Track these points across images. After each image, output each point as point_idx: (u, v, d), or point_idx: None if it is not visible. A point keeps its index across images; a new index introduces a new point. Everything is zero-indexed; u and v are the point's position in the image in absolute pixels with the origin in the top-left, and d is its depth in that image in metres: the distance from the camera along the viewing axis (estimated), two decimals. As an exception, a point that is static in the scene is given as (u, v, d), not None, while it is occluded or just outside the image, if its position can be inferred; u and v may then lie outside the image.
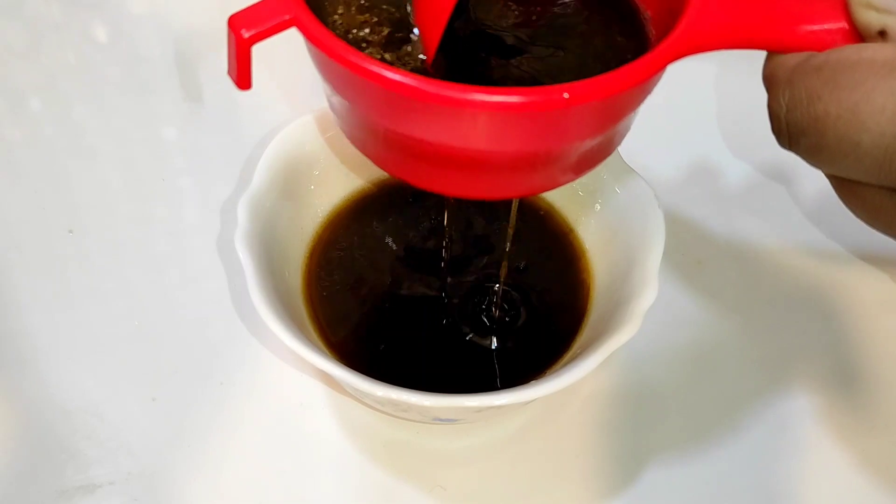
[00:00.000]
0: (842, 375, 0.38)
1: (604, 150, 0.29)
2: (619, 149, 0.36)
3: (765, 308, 0.40)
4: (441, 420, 0.35)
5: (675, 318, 0.39)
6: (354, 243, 0.38)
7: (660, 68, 0.25)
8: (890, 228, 0.27)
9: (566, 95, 0.24)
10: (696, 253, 0.42)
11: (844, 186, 0.27)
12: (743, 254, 0.42)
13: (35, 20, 0.49)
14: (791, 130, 0.26)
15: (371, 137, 0.28)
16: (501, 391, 0.30)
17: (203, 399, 0.36)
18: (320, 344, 0.35)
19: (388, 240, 0.39)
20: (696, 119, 0.47)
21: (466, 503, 0.35)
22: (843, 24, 0.26)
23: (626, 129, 0.29)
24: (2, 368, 0.37)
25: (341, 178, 0.39)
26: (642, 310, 0.32)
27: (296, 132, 0.37)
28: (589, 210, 0.38)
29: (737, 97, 0.47)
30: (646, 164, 0.36)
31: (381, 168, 0.29)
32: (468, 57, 0.29)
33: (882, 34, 0.25)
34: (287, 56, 0.46)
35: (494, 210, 0.40)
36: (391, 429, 0.36)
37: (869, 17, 0.25)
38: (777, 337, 0.39)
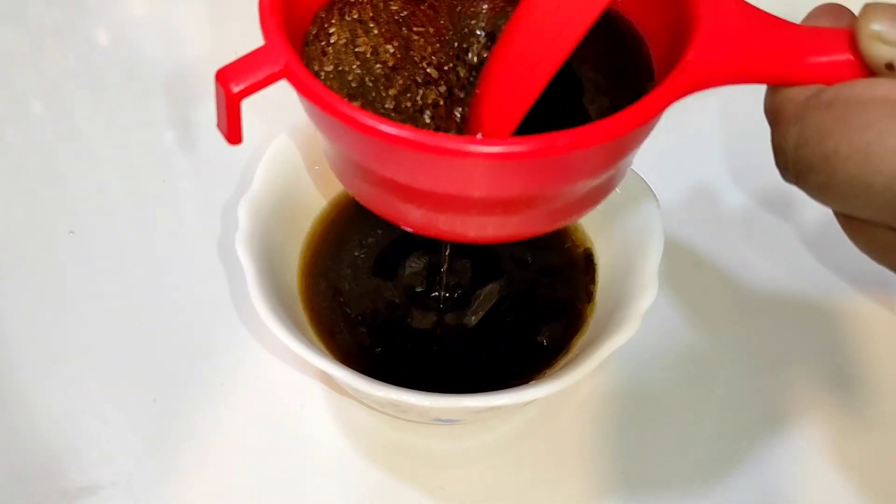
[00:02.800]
0: (839, 378, 0.38)
1: (608, 186, 0.29)
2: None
3: (763, 310, 0.40)
4: (441, 420, 0.35)
5: (673, 319, 0.40)
6: (354, 244, 0.38)
7: (659, 111, 0.25)
8: None
9: (560, 144, 0.23)
10: (694, 254, 0.42)
11: (853, 224, 0.27)
12: (742, 255, 0.42)
13: (36, 24, 0.50)
14: (799, 167, 0.25)
15: (366, 186, 0.28)
16: (501, 391, 0.30)
17: (204, 400, 0.36)
18: (320, 345, 0.35)
19: (389, 240, 0.39)
20: (697, 123, 0.47)
21: (466, 503, 0.35)
22: (850, 56, 0.25)
23: (627, 166, 0.29)
24: (2, 369, 0.37)
25: (341, 179, 0.39)
26: (641, 311, 0.32)
27: (295, 134, 0.37)
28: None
29: (737, 110, 0.47)
30: (645, 165, 0.37)
31: (379, 215, 0.29)
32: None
33: (890, 67, 0.24)
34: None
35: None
36: (391, 429, 0.36)
37: (878, 50, 0.24)
38: (774, 339, 0.39)
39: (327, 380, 0.37)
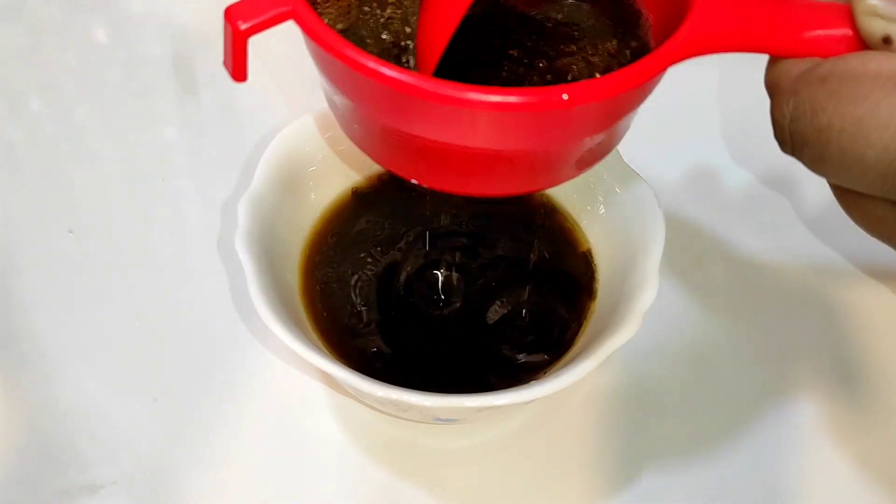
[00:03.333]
0: (841, 374, 0.38)
1: (604, 149, 0.29)
2: (620, 149, 0.36)
3: (765, 308, 0.40)
4: (441, 420, 0.35)
5: (675, 317, 0.39)
6: (354, 243, 0.38)
7: (660, 70, 0.25)
8: (891, 240, 0.27)
9: (565, 97, 0.24)
10: (696, 252, 0.42)
11: (847, 196, 0.27)
12: (743, 253, 0.42)
13: (35, 21, 0.49)
14: (794, 140, 0.26)
15: (370, 135, 0.28)
16: (501, 391, 0.30)
17: (204, 399, 0.36)
18: (320, 344, 0.35)
19: (389, 240, 0.39)
20: (698, 120, 0.47)
21: (466, 503, 0.35)
22: (848, 31, 0.25)
23: (627, 128, 0.29)
24: (3, 369, 0.37)
25: (341, 177, 0.39)
26: (642, 309, 0.32)
27: (295, 132, 0.37)
28: (589, 210, 0.38)
29: (738, 101, 0.47)
30: (646, 164, 0.37)
31: (380, 164, 0.29)
32: (466, 55, 0.29)
33: (886, 41, 0.25)
34: (287, 56, 0.46)
35: (492, 211, 0.40)
36: (391, 429, 0.36)
37: (873, 25, 0.25)
38: (777, 337, 0.39)
39: (327, 379, 0.37)
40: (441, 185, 0.28)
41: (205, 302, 0.39)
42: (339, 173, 0.39)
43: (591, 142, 0.28)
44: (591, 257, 0.38)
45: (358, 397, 0.36)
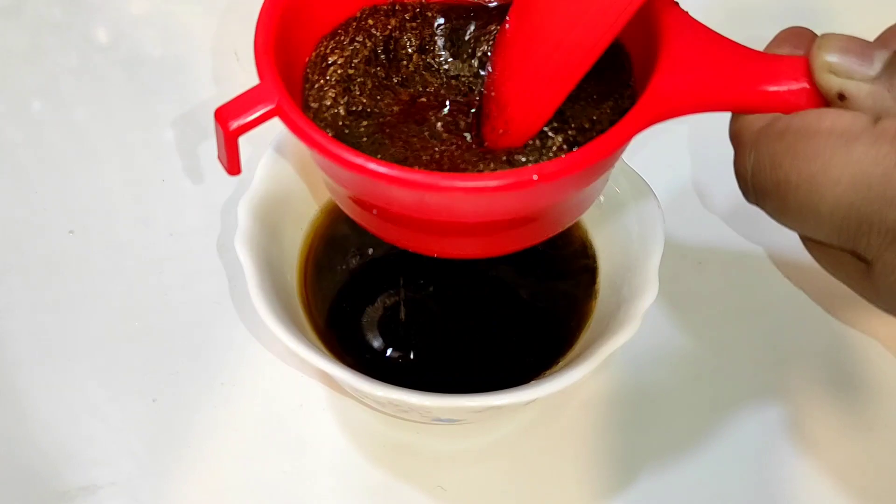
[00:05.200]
0: (839, 377, 0.38)
1: (583, 204, 0.31)
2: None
3: (764, 310, 0.40)
4: (441, 420, 0.35)
5: (674, 318, 0.39)
6: (354, 244, 0.38)
7: (627, 140, 0.27)
8: (850, 284, 0.28)
9: (535, 177, 0.25)
10: (695, 254, 0.42)
11: (811, 242, 0.28)
12: (743, 255, 0.42)
13: (36, 22, 0.49)
14: (756, 191, 0.27)
15: (359, 213, 0.30)
16: (501, 391, 0.30)
17: (204, 400, 0.36)
18: (320, 344, 0.35)
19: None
20: (697, 120, 0.47)
21: (466, 503, 0.35)
22: (806, 85, 0.26)
23: (603, 184, 0.31)
24: (2, 369, 0.37)
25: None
26: (642, 310, 0.32)
27: (296, 133, 0.37)
28: (589, 210, 0.38)
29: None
30: (646, 164, 0.37)
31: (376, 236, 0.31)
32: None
33: (841, 97, 0.26)
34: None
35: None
36: (391, 429, 0.36)
37: (829, 81, 0.26)
38: (776, 339, 0.39)
39: (327, 379, 0.37)
40: (431, 252, 0.30)
41: (204, 302, 0.39)
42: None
43: (565, 203, 0.29)
44: (593, 258, 0.38)
45: (358, 397, 0.35)
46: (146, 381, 0.37)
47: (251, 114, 0.27)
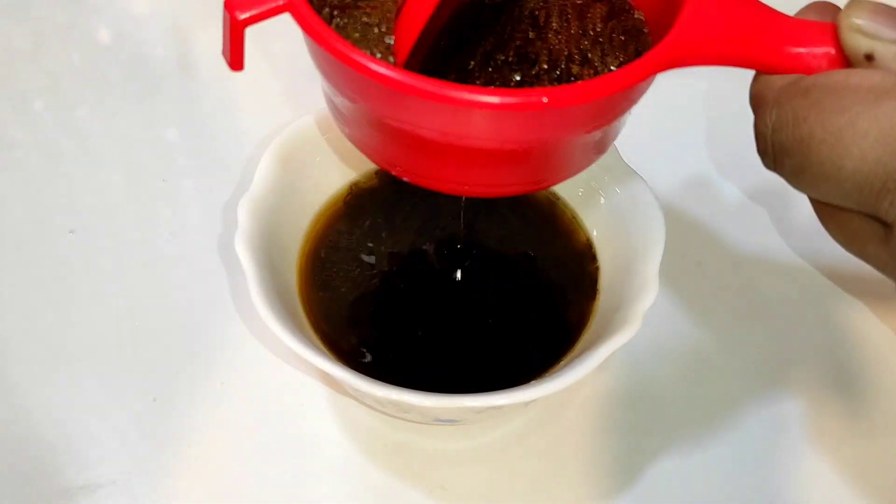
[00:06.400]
0: (840, 377, 0.38)
1: (593, 152, 0.29)
2: (620, 149, 0.36)
3: (764, 310, 0.40)
4: (442, 420, 0.35)
5: (674, 319, 0.39)
6: (354, 243, 0.38)
7: (643, 78, 0.26)
8: (864, 254, 0.27)
9: (545, 99, 0.24)
10: (695, 254, 0.42)
11: (825, 210, 0.28)
12: (742, 255, 0.42)
13: (39, 22, 0.50)
14: (776, 151, 0.26)
15: (363, 130, 0.29)
16: (502, 391, 0.30)
17: (204, 399, 0.36)
18: (320, 344, 0.35)
19: (388, 240, 0.39)
20: (697, 121, 0.47)
21: (467, 503, 0.35)
22: (831, 49, 0.26)
23: (617, 132, 0.30)
24: (2, 368, 0.37)
25: (341, 178, 0.39)
26: (643, 310, 0.32)
27: (295, 133, 0.37)
28: (590, 211, 0.38)
29: (733, 105, 0.47)
30: (645, 164, 0.37)
31: (373, 161, 0.30)
32: (455, 49, 0.29)
33: (869, 58, 0.25)
34: (287, 58, 0.47)
35: (494, 211, 0.40)
36: (392, 429, 0.36)
37: (857, 41, 0.25)
38: (776, 339, 0.39)
39: (327, 379, 0.37)
40: (433, 183, 0.29)
41: (205, 302, 0.39)
42: (338, 174, 0.39)
43: (579, 142, 0.28)
44: (594, 258, 0.38)
45: (358, 397, 0.35)
46: (146, 380, 0.37)
47: (261, 6, 0.26)
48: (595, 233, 0.38)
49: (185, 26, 0.49)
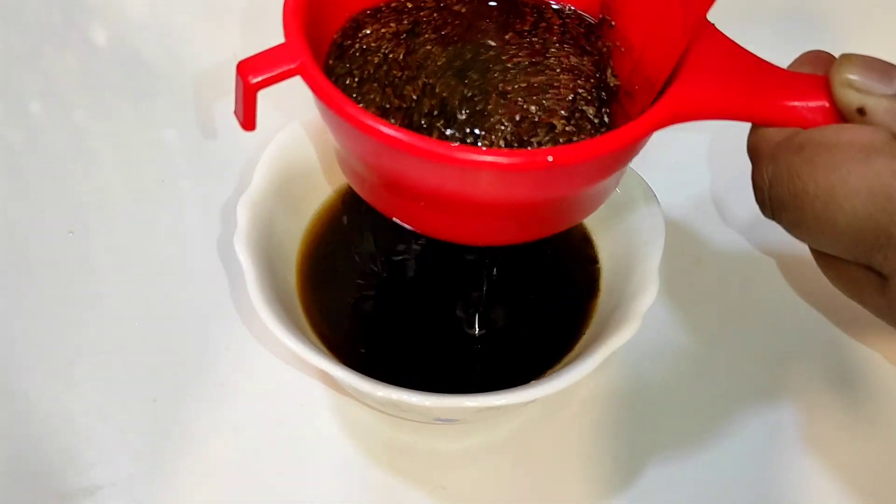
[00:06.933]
0: (840, 375, 0.38)
1: (592, 202, 0.30)
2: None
3: (764, 308, 0.40)
4: (441, 420, 0.35)
5: (674, 318, 0.39)
6: (353, 243, 0.38)
7: (644, 136, 0.27)
8: (863, 301, 0.28)
9: (550, 159, 0.25)
10: (695, 253, 0.42)
11: (824, 260, 0.28)
12: (742, 254, 0.42)
13: (35, 24, 0.49)
14: (773, 204, 0.27)
15: (369, 183, 0.30)
16: (501, 391, 0.30)
17: (204, 400, 0.36)
18: (320, 344, 0.35)
19: (387, 240, 0.39)
20: (697, 124, 0.47)
21: (467, 503, 0.35)
22: (825, 103, 0.27)
23: (615, 184, 0.31)
24: (2, 369, 0.37)
25: (340, 178, 0.39)
26: (642, 310, 0.32)
27: (294, 134, 0.37)
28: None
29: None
30: (645, 163, 0.36)
31: (380, 211, 0.31)
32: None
33: (861, 112, 0.26)
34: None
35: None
36: (392, 429, 0.36)
37: (849, 97, 0.26)
38: (776, 337, 0.39)
39: (327, 380, 0.37)
40: (434, 232, 0.30)
41: (204, 303, 0.39)
42: (337, 174, 0.39)
43: (577, 196, 0.29)
44: (594, 257, 0.38)
45: (358, 397, 0.35)
46: (146, 381, 0.37)
47: (273, 70, 0.27)
48: (595, 232, 0.38)
49: (182, 27, 0.49)
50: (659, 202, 0.35)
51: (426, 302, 0.37)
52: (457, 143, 0.28)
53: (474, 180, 0.26)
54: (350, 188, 0.39)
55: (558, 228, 0.31)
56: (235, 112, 0.28)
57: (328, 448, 0.36)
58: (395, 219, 0.30)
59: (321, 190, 0.38)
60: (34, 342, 0.38)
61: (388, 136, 0.25)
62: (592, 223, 0.38)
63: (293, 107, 0.45)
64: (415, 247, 0.39)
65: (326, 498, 0.35)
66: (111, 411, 0.36)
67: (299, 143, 0.37)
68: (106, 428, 0.36)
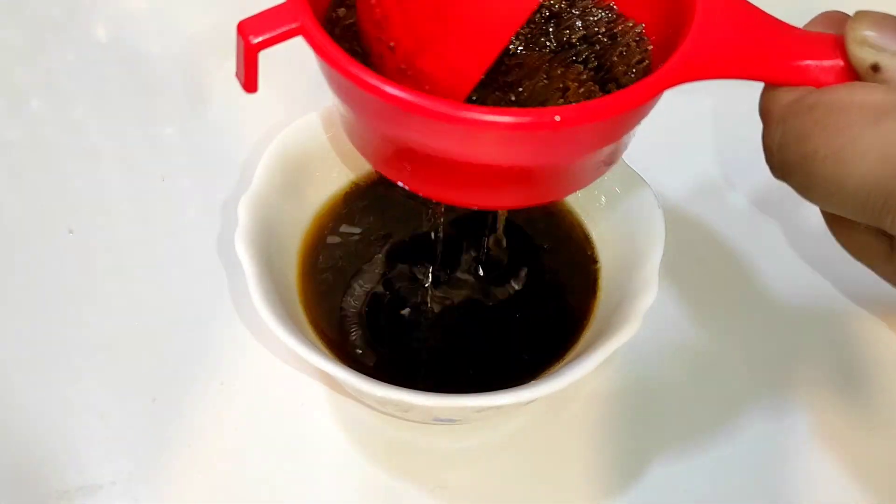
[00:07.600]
0: (841, 376, 0.38)
1: (600, 167, 0.29)
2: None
3: (765, 308, 0.40)
4: (441, 420, 0.35)
5: (675, 317, 0.39)
6: (354, 243, 0.38)
7: (653, 95, 0.26)
8: (873, 265, 0.28)
9: (557, 118, 0.24)
10: (696, 252, 0.42)
11: (835, 221, 0.28)
12: (742, 256, 0.42)
13: (35, 20, 0.49)
14: (783, 166, 0.27)
15: (373, 145, 0.29)
16: (501, 391, 0.30)
17: (203, 399, 0.36)
18: (320, 344, 0.35)
19: (389, 239, 0.39)
20: (703, 120, 0.47)
21: (467, 503, 0.35)
22: (839, 62, 0.26)
23: (624, 147, 0.30)
24: (2, 369, 0.37)
25: (341, 177, 0.39)
26: (643, 310, 0.32)
27: (296, 132, 0.37)
28: (592, 210, 0.38)
29: (740, 105, 0.47)
30: (645, 163, 0.36)
31: (384, 175, 0.30)
32: None
33: (875, 69, 0.26)
34: (288, 56, 0.46)
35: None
36: (392, 429, 0.36)
37: (863, 53, 0.26)
38: (776, 337, 0.39)
39: (327, 379, 0.37)
40: (439, 195, 0.29)
41: (204, 302, 0.39)
42: (338, 173, 0.39)
43: (588, 159, 0.28)
44: (594, 257, 0.38)
45: (358, 397, 0.35)
46: (146, 380, 0.37)
47: (274, 30, 0.26)
48: (595, 232, 0.38)
49: (183, 23, 0.49)
50: (659, 202, 0.35)
51: (427, 301, 0.37)
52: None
53: (481, 141, 0.26)
54: (351, 187, 0.39)
55: (571, 190, 0.30)
56: (237, 74, 0.27)
57: (328, 448, 0.36)
58: (399, 183, 0.29)
59: (323, 189, 0.38)
60: (33, 341, 0.38)
61: (393, 97, 0.25)
62: (593, 223, 0.38)
63: (296, 105, 0.45)
64: (415, 246, 0.38)
65: (326, 497, 0.35)
66: (111, 410, 0.36)
67: (301, 141, 0.37)
68: (106, 427, 0.36)
